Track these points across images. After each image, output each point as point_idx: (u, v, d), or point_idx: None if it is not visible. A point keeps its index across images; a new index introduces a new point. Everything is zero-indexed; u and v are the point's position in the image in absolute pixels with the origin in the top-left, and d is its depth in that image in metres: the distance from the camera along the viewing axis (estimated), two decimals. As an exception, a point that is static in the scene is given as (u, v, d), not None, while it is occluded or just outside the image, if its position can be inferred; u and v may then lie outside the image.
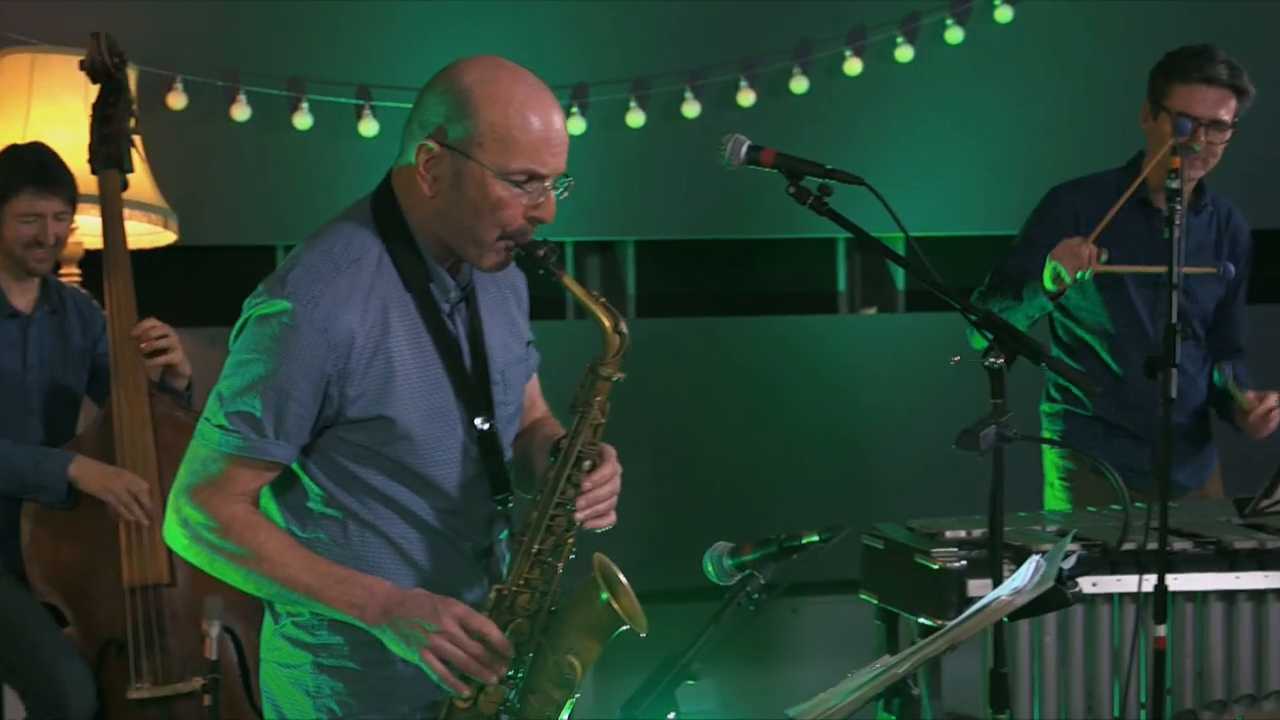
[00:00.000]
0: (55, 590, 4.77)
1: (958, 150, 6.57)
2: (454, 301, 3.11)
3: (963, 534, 4.36)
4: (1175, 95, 4.85)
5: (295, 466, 3.07)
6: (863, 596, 4.58)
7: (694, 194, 6.44)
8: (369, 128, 6.07)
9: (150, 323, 4.80)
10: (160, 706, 4.74)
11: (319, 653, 3.10)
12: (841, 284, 6.84)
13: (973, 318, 3.31)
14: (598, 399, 3.05)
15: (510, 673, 3.01)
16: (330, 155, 6.11)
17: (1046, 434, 5.08)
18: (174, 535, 3.08)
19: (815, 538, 2.83)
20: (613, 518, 3.07)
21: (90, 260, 5.38)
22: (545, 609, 3.04)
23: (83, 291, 5.12)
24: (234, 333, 3.06)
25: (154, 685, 4.73)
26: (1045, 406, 5.15)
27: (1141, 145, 5.03)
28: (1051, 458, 5.15)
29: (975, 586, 4.17)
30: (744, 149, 3.32)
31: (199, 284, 6.18)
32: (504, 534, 3.20)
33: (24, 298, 4.91)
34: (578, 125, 6.14)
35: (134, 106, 5.04)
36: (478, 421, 3.10)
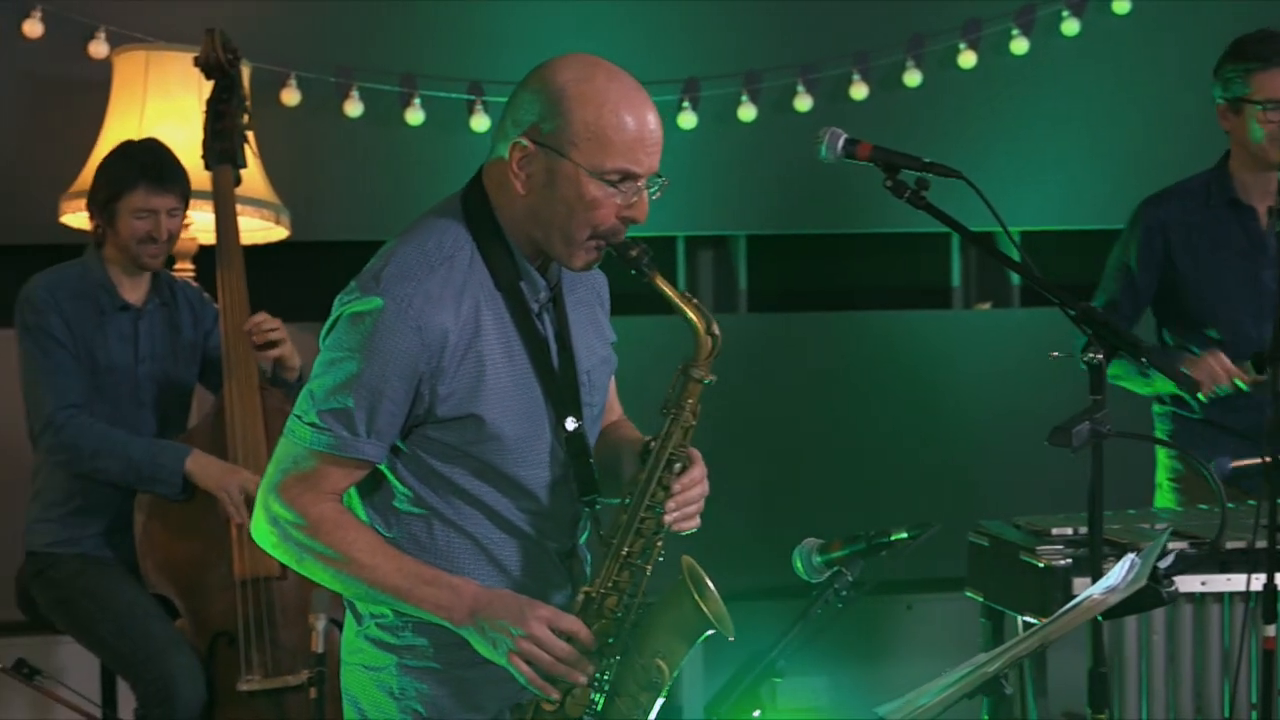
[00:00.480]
0: (167, 582, 4.82)
1: (1072, 143, 6.51)
2: (543, 301, 3.10)
3: (1069, 531, 4.30)
4: (1259, 83, 4.77)
5: (382, 465, 3.06)
6: (968, 594, 4.54)
7: (806, 188, 6.42)
8: (480, 123, 6.10)
9: (261, 316, 4.84)
10: (269, 698, 4.76)
11: (404, 654, 3.10)
12: (956, 279, 6.79)
13: (1071, 312, 3.26)
14: (689, 401, 3.04)
15: (597, 675, 2.99)
16: (441, 151, 6.14)
17: (1159, 435, 5.03)
18: (262, 532, 3.08)
19: (904, 534, 2.81)
20: (698, 521, 3.05)
21: (203, 255, 5.43)
22: (633, 612, 3.03)
23: (194, 285, 5.17)
24: (325, 330, 3.05)
25: (264, 677, 4.75)
26: (1156, 408, 5.09)
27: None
28: (1163, 459, 5.10)
29: (1080, 584, 4.10)
30: (841, 142, 3.30)
31: (310, 279, 6.22)
32: (585, 536, 3.20)
33: (135, 292, 4.96)
34: (689, 120, 6.13)
35: (247, 103, 5.08)
36: (567, 423, 3.08)
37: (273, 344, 4.84)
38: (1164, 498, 5.04)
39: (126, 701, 4.98)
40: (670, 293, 3.03)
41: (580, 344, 3.15)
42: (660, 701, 3.00)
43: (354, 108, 6.04)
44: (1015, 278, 6.72)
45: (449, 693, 3.08)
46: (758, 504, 6.29)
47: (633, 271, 3.01)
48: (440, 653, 3.07)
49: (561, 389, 3.09)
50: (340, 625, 4.68)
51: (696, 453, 3.07)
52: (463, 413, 3.00)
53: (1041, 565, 4.17)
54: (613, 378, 3.32)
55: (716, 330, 3.04)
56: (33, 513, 4.94)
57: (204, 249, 5.45)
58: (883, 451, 6.51)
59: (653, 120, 2.99)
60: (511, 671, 2.97)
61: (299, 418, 3.03)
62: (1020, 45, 6.40)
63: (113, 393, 4.88)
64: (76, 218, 5.46)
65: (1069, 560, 4.16)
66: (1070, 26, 6.42)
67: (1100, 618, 2.78)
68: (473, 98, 6.10)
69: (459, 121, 6.12)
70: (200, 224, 5.32)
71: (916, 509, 6.28)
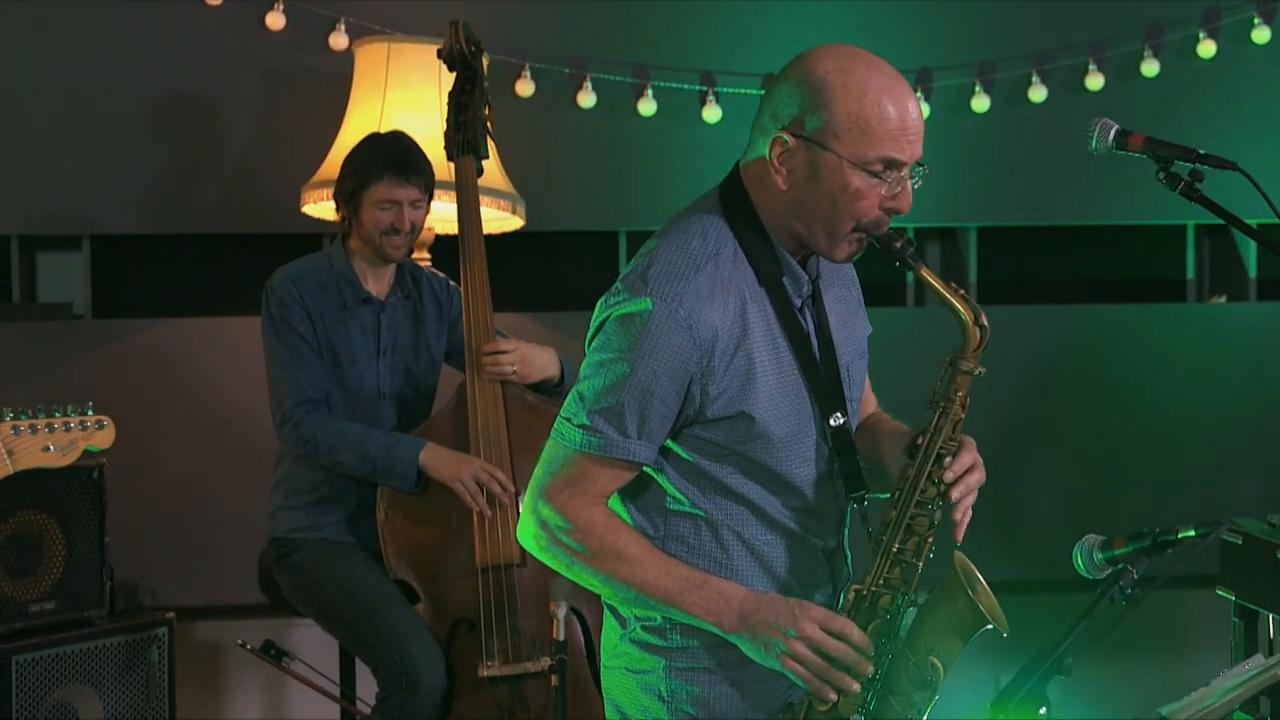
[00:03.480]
0: (408, 568, 4.87)
1: (1253, 151, 6.35)
2: (805, 296, 3.08)
3: (1329, 532, 4.21)
4: None
5: (648, 467, 3.06)
6: (1220, 592, 4.45)
7: (1037, 179, 6.35)
8: (712, 114, 6.08)
9: (497, 349, 4.90)
10: (510, 685, 4.80)
11: (672, 656, 3.09)
12: (1190, 272, 6.67)
13: None
14: (958, 393, 3.01)
15: (870, 675, 2.98)
16: (673, 141, 6.15)
17: None
18: (529, 537, 3.09)
19: (1191, 532, 2.75)
20: (970, 507, 3.02)
21: (439, 245, 5.49)
22: (905, 609, 3.01)
23: (439, 274, 5.21)
24: (591, 333, 3.05)
25: (504, 664, 4.79)
26: None
27: None
28: None
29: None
30: (1112, 133, 3.26)
31: (544, 269, 6.28)
32: (848, 533, 3.18)
33: (378, 284, 5.02)
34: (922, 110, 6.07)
35: (488, 95, 5.11)
36: (833, 419, 3.06)
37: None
38: None
39: (364, 685, 5.05)
40: (937, 284, 3.00)
41: (840, 338, 3.14)
42: (935, 700, 2.97)
43: (587, 98, 6.07)
44: (1253, 270, 6.58)
45: (723, 693, 3.08)
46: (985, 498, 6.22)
47: (896, 263, 2.98)
48: (712, 653, 3.06)
49: (826, 385, 3.07)
50: (580, 614, 4.76)
51: (969, 440, 3.04)
52: (733, 412, 2.99)
53: (1286, 541, 4.08)
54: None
55: (985, 321, 3.00)
56: (276, 499, 5.02)
57: (439, 239, 5.50)
58: (1114, 448, 6.41)
59: (913, 108, 2.96)
60: (787, 674, 2.97)
61: (568, 420, 3.03)
62: (1262, 34, 6.26)
63: (354, 385, 4.95)
64: (317, 208, 5.53)
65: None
66: (1261, 34, 6.28)
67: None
68: (704, 88, 6.09)
69: (691, 112, 6.13)
70: (437, 214, 5.36)
71: (1155, 506, 6.23)
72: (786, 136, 2.96)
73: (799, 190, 2.98)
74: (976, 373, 3.01)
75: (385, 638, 4.76)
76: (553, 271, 4.97)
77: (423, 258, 5.47)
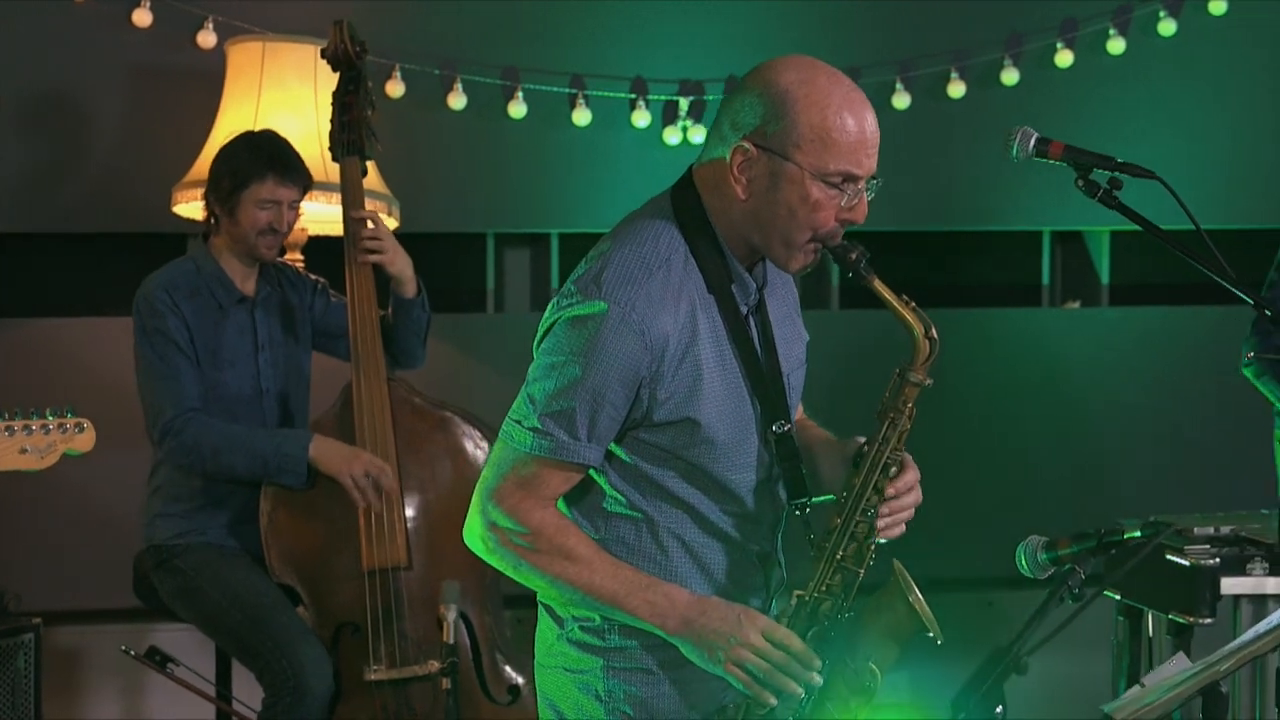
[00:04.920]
0: (292, 572, 4.83)
1: (1167, 143, 6.49)
2: (751, 304, 3.11)
3: (1210, 530, 4.33)
4: None
5: (591, 469, 3.07)
6: (1106, 593, 4.55)
7: (901, 186, 6.41)
8: (582, 117, 6.11)
9: (370, 224, 4.93)
10: (396, 688, 4.78)
11: (611, 657, 3.10)
12: (1046, 277, 6.80)
13: (1269, 313, 3.29)
14: (907, 405, 3.05)
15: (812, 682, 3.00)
16: (543, 144, 6.20)
17: None
18: (476, 538, 3.08)
19: (1136, 533, 2.81)
20: (904, 528, 3.07)
21: (312, 246, 5.45)
22: (844, 616, 3.05)
23: (289, 264, 5.17)
24: (540, 334, 3.05)
25: (391, 668, 4.77)
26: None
27: None
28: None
29: (1229, 584, 4.14)
30: (1032, 141, 3.31)
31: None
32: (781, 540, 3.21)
33: (246, 282, 4.97)
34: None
35: (372, 95, 5.08)
36: (776, 426, 3.09)
37: (373, 251, 4.91)
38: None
39: (240, 685, 5.03)
40: (888, 296, 3.04)
41: (782, 348, 3.16)
42: (869, 705, 3.01)
43: (458, 100, 6.05)
44: (1105, 276, 6.73)
45: (661, 693, 3.09)
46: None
47: (849, 274, 3.02)
48: (650, 654, 3.07)
49: (770, 392, 3.10)
50: (467, 618, 4.75)
51: (910, 459, 3.08)
52: (678, 416, 3.00)
53: (1189, 564, 4.18)
54: None
55: (934, 334, 3.05)
56: (154, 507, 4.94)
57: (312, 239, 5.46)
58: (964, 450, 6.51)
59: (871, 121, 3.00)
60: (728, 679, 2.99)
61: (518, 423, 3.02)
62: (1117, 45, 6.40)
63: (236, 386, 4.90)
64: (189, 208, 5.46)
65: (1216, 560, 4.18)
66: (1167, 27, 6.42)
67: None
68: (574, 91, 6.10)
69: (561, 115, 6.13)
70: (311, 214, 5.32)
71: (998, 511, 6.33)
72: (748, 145, 2.97)
73: (758, 200, 2.99)
74: (925, 384, 3.05)
75: (273, 643, 4.71)
76: (421, 273, 4.95)
77: (296, 259, 5.43)
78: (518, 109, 6.08)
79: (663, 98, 6.17)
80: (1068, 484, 6.52)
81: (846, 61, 6.14)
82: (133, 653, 4.89)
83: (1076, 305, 6.76)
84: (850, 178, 2.97)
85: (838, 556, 3.04)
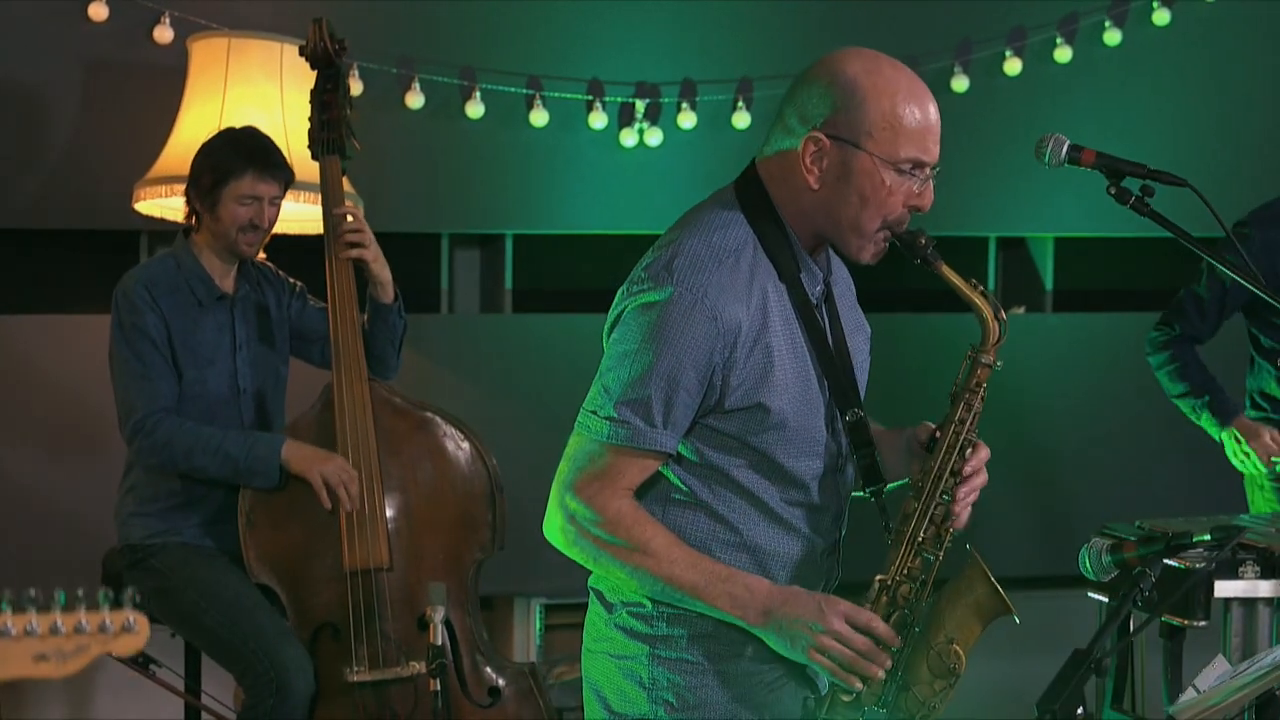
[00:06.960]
0: (271, 573, 4.79)
1: (1112, 151, 6.56)
2: (819, 294, 3.14)
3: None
4: None
5: None
6: (1091, 595, 4.59)
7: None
8: (539, 118, 6.09)
9: (351, 219, 4.90)
10: (377, 690, 4.75)
11: (656, 644, 3.10)
12: (991, 283, 6.86)
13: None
14: (979, 386, 3.09)
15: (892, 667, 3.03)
16: (500, 144, 6.16)
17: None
18: (555, 530, 3.08)
19: (1206, 536, 2.85)
20: (970, 512, 3.10)
21: (286, 244, 5.39)
22: (924, 599, 3.07)
23: (269, 265, 5.12)
24: (609, 323, 3.06)
25: (373, 669, 4.74)
26: (1251, 413, 5.19)
27: None
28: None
29: (1222, 588, 4.20)
30: (1065, 148, 3.35)
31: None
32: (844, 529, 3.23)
33: (226, 280, 4.93)
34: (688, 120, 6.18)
35: (350, 93, 5.05)
36: (848, 415, 3.12)
37: (355, 245, 4.88)
38: (1265, 500, 5.12)
39: (209, 681, 5.01)
40: (957, 281, 3.10)
41: (849, 336, 3.20)
42: (954, 687, 3.03)
43: (415, 100, 6.01)
44: (1049, 283, 6.80)
45: (704, 684, 3.09)
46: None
47: (918, 261, 3.07)
48: (694, 645, 3.08)
49: (842, 380, 3.13)
50: (449, 621, 4.73)
51: (981, 442, 3.13)
52: (750, 402, 3.02)
53: (1183, 568, 4.23)
54: None
55: (1004, 316, 3.13)
56: (128, 506, 4.88)
57: (289, 238, 5.41)
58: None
59: (935, 109, 3.06)
60: (814, 667, 3.01)
61: (594, 413, 3.03)
62: (1064, 54, 6.47)
63: (214, 384, 4.85)
64: (151, 204, 5.39)
65: (1209, 563, 4.23)
66: (1112, 36, 6.51)
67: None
68: (531, 92, 6.09)
69: (518, 115, 6.11)
70: (287, 213, 5.25)
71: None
72: (820, 136, 3.01)
73: (829, 189, 3.03)
74: (996, 366, 3.13)
75: (253, 644, 4.67)
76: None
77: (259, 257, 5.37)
78: (475, 109, 6.06)
79: (619, 100, 6.17)
80: (1016, 487, 6.57)
81: (797, 67, 6.25)
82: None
83: (1021, 311, 6.82)
84: (919, 164, 3.02)
85: (918, 540, 3.07)
